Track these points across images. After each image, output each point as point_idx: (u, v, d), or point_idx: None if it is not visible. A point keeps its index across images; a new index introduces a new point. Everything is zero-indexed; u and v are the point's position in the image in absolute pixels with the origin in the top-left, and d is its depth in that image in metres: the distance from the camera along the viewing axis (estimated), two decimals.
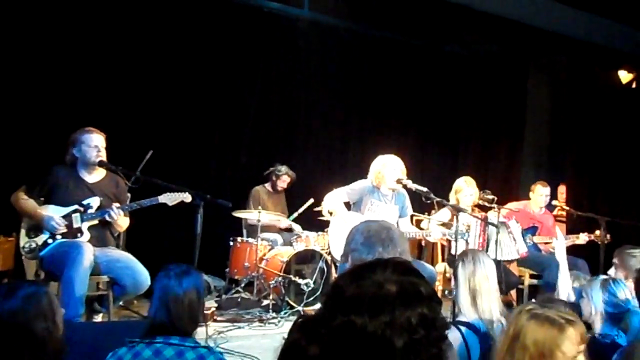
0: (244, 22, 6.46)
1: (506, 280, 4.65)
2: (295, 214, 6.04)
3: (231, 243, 5.60)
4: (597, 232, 5.58)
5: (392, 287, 1.08)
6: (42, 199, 3.78)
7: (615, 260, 3.37)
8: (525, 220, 5.69)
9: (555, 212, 6.23)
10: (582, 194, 7.99)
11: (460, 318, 2.59)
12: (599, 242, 5.41)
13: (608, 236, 5.45)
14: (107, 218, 3.83)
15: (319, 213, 5.35)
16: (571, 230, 6.33)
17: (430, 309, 1.08)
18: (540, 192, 5.88)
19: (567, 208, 6.30)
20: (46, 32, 5.34)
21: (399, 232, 1.97)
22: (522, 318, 1.80)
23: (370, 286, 1.09)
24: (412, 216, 5.34)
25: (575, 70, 7.75)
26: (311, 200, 5.68)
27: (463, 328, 2.46)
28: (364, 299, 1.07)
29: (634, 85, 7.65)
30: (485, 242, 4.84)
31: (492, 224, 4.65)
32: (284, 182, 6.19)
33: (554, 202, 6.22)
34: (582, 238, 5.80)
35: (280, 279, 5.10)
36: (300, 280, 5.10)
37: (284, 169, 6.17)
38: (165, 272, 2.25)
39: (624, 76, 7.52)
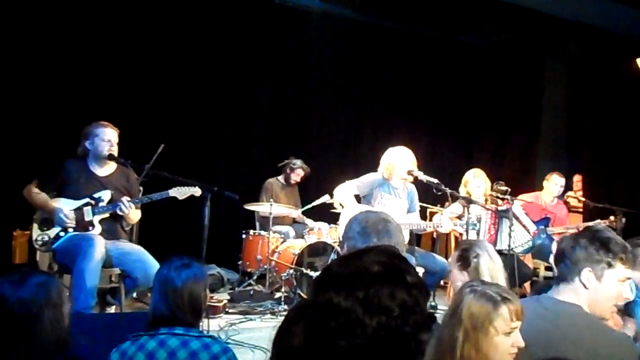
0: (255, 14, 6.46)
1: (520, 272, 4.60)
2: (309, 206, 6.03)
3: (244, 236, 5.63)
4: (612, 217, 5.46)
5: (374, 267, 1.08)
6: (54, 192, 3.83)
7: None
8: (538, 211, 5.61)
9: (564, 199, 6.13)
10: (600, 185, 7.85)
11: None
12: (615, 228, 5.31)
13: (624, 220, 5.32)
14: (118, 211, 3.86)
15: (331, 205, 5.34)
16: (588, 221, 6.23)
17: (411, 295, 1.06)
18: (555, 182, 5.81)
19: (584, 199, 6.19)
20: (59, 27, 5.39)
21: (396, 224, 1.96)
22: (464, 292, 1.83)
23: (353, 266, 1.10)
24: (426, 209, 5.31)
25: (592, 58, 7.59)
26: (327, 197, 5.65)
27: None
28: (343, 276, 1.08)
29: None
30: (496, 233, 4.79)
31: (505, 216, 4.60)
32: (297, 175, 6.19)
33: (569, 193, 6.13)
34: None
35: (292, 271, 5.12)
36: (312, 273, 5.11)
37: (299, 162, 6.17)
38: (167, 265, 2.26)
39: None
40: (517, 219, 4.75)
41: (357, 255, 1.15)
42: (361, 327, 1.02)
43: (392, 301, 1.04)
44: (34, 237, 3.78)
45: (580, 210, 6.59)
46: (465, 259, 2.56)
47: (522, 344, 1.80)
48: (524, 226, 4.79)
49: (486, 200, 5.10)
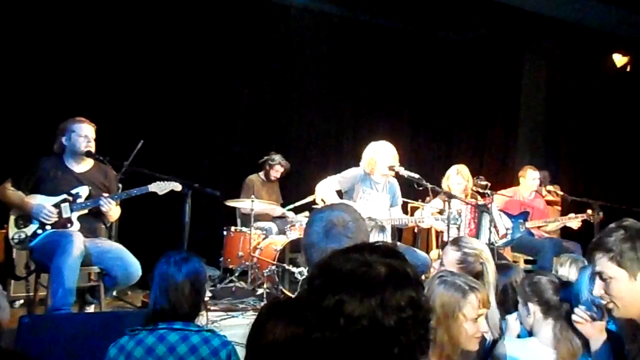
0: (235, 9, 6.42)
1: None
2: (292, 206, 5.99)
3: (225, 232, 5.58)
4: (589, 211, 5.51)
5: (382, 268, 1.11)
6: (30, 190, 3.74)
7: None
8: (516, 206, 5.67)
9: (543, 194, 6.19)
10: (578, 179, 7.98)
11: None
12: (592, 221, 5.35)
13: (601, 214, 5.35)
14: (101, 207, 3.78)
15: (313, 201, 5.33)
16: (566, 214, 6.31)
17: (417, 291, 1.11)
18: (532, 177, 5.86)
19: (561, 193, 6.26)
20: (34, 23, 5.30)
21: (356, 224, 1.92)
22: (434, 283, 1.97)
23: (361, 265, 1.11)
24: (407, 204, 5.32)
25: (570, 54, 7.71)
26: (312, 197, 5.63)
27: None
28: (355, 278, 1.09)
29: (628, 69, 7.60)
30: (476, 227, 4.83)
31: (485, 210, 4.64)
32: (277, 171, 6.17)
33: (548, 187, 6.20)
34: (574, 223, 5.69)
35: (274, 267, 5.09)
36: (294, 269, 5.07)
37: (277, 158, 6.15)
38: (165, 259, 2.24)
39: (619, 59, 7.47)
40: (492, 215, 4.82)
41: (356, 251, 1.16)
42: (379, 328, 1.06)
43: (405, 301, 1.08)
44: (10, 235, 3.69)
45: (559, 205, 6.66)
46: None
47: (486, 329, 1.96)
48: (495, 227, 4.83)
49: (466, 195, 5.14)
